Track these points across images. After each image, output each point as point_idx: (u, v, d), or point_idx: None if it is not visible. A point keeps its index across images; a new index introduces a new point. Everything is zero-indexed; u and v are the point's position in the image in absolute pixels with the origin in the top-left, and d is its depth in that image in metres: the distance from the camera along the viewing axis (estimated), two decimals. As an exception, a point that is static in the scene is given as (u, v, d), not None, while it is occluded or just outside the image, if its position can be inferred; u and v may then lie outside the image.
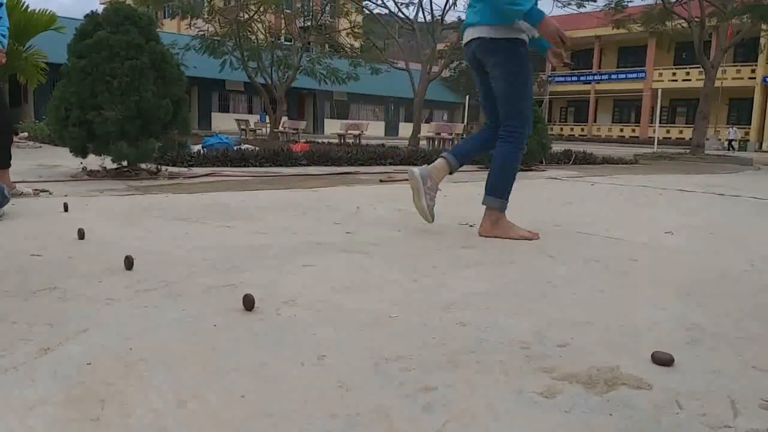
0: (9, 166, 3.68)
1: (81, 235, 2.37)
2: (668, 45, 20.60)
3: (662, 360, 1.29)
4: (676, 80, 37.05)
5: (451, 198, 4.39)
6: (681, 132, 36.45)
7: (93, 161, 4.99)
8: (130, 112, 4.53)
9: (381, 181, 5.50)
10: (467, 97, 22.92)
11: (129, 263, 1.93)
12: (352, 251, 2.36)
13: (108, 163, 4.92)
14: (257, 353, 1.29)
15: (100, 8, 5.08)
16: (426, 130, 17.29)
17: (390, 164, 7.73)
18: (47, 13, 11.03)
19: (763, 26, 18.29)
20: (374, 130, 31.51)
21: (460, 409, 1.07)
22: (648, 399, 1.13)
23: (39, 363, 1.20)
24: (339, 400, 1.09)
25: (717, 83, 19.90)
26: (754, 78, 34.38)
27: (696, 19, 15.32)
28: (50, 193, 3.76)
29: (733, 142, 31.58)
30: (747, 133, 34.66)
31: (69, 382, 1.12)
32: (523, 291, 1.87)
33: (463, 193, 4.81)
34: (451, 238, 2.71)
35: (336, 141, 15.80)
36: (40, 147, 9.59)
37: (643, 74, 38.55)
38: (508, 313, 1.63)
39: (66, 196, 3.63)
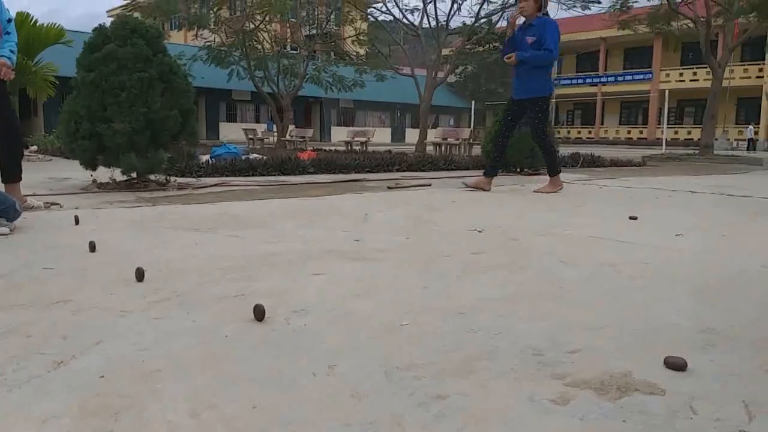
0: (20, 179, 3.71)
1: (92, 247, 2.39)
2: (674, 45, 20.51)
3: (675, 364, 1.28)
4: (683, 80, 36.89)
5: (459, 204, 4.38)
6: (689, 133, 36.25)
7: (103, 173, 5.03)
8: (138, 124, 4.57)
9: (389, 187, 5.50)
10: (473, 102, 22.92)
11: (140, 275, 1.94)
12: (362, 258, 2.36)
13: (117, 175, 4.96)
14: (269, 363, 1.29)
15: (108, 21, 5.13)
16: (432, 135, 17.30)
17: (397, 171, 7.73)
18: (55, 27, 11.14)
19: (770, 25, 18.19)
20: (381, 137, 31.55)
21: (473, 416, 1.07)
22: (662, 404, 1.12)
23: (53, 375, 1.21)
24: (352, 408, 1.09)
25: (725, 83, 19.78)
26: (762, 77, 34.18)
27: (702, 19, 15.26)
28: (61, 206, 3.79)
29: (751, 141, 31.06)
30: (756, 133, 34.43)
31: (83, 394, 1.13)
32: (534, 296, 1.86)
33: (471, 198, 4.80)
34: (461, 244, 2.71)
35: (343, 148, 15.84)
36: (51, 160, 9.68)
37: (650, 75, 38.41)
38: (520, 318, 1.63)
39: (77, 208, 3.66)
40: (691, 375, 1.26)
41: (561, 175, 5.48)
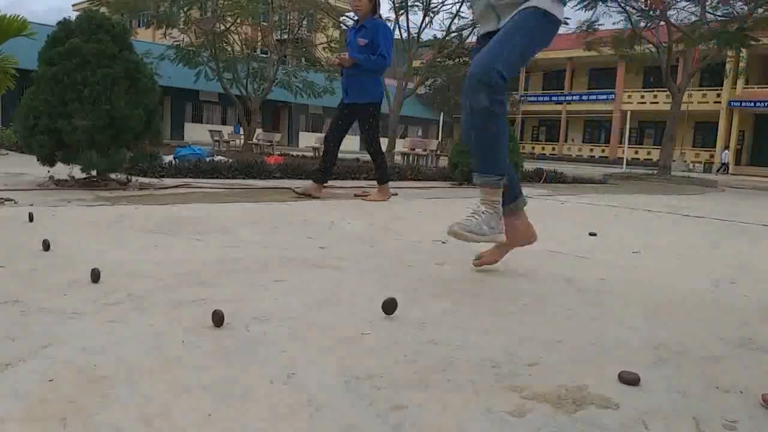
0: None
1: (46, 246, 2.32)
2: (637, 69, 21.16)
3: (629, 380, 1.31)
4: (644, 103, 38.00)
5: (425, 214, 4.41)
6: (649, 153, 37.34)
7: (61, 170, 4.89)
8: (101, 121, 4.46)
9: (356, 195, 5.49)
10: (441, 114, 23.15)
11: (95, 276, 1.89)
12: (325, 266, 2.35)
13: (77, 172, 4.83)
14: (226, 370, 1.27)
15: (73, 15, 5.01)
16: (401, 145, 17.39)
17: (365, 179, 7.73)
18: (18, 19, 10.81)
19: (728, 52, 18.94)
20: (349, 144, 31.53)
21: (430, 428, 1.07)
22: (615, 418, 1.14)
23: (-2, 379, 1.16)
24: (308, 419, 1.07)
25: (683, 107, 20.49)
26: (720, 102, 35.45)
27: (664, 44, 15.77)
28: (15, 202, 3.67)
29: (725, 165, 32.29)
30: (712, 156, 35.68)
31: (30, 399, 1.08)
32: (494, 309, 1.88)
33: (437, 209, 4.84)
34: (425, 255, 2.72)
35: (310, 154, 15.77)
36: (7, 154, 9.37)
37: (613, 96, 39.46)
38: (479, 331, 1.64)
39: (31, 205, 3.54)
40: (644, 390, 1.29)
41: (524, 189, 5.51)
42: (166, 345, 1.40)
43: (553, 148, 42.78)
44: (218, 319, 1.53)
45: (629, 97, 38.50)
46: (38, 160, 4.74)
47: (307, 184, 5.22)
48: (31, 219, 2.98)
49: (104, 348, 1.35)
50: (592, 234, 3.67)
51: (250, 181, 6.40)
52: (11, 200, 3.73)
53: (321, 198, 5.05)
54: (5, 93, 11.99)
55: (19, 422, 1.00)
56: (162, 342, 1.41)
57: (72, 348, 1.34)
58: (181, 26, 17.48)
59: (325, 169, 5.21)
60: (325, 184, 5.29)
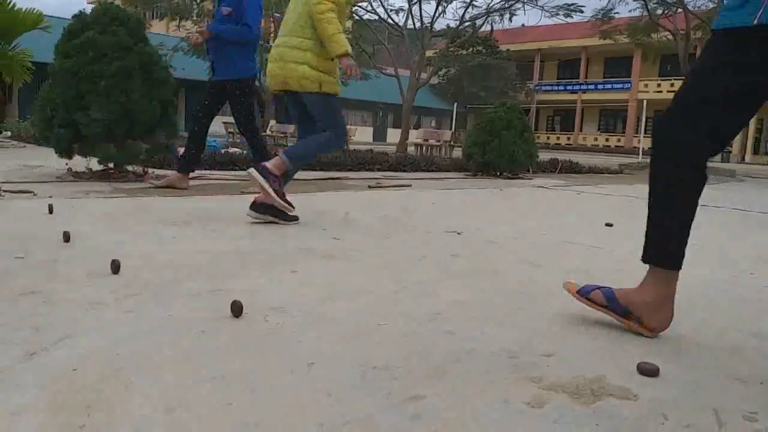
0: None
1: (66, 237, 2.35)
2: (653, 57, 20.86)
3: (648, 371, 1.30)
4: (661, 91, 37.47)
5: (438, 205, 4.40)
6: (665, 143, 36.81)
7: (78, 162, 4.94)
8: (116, 114, 4.49)
9: (370, 187, 5.50)
10: (455, 104, 23.04)
11: (115, 267, 1.91)
12: (340, 258, 2.36)
13: (94, 164, 4.88)
14: (245, 360, 1.28)
15: (88, 8, 5.03)
16: (414, 136, 17.35)
17: (378, 170, 7.73)
18: (34, 12, 10.90)
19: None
20: (362, 136, 31.50)
21: (447, 419, 1.07)
22: (633, 410, 1.14)
23: (24, 368, 1.18)
24: (327, 409, 1.08)
25: (701, 95, 20.14)
26: (737, 91, 34.84)
27: (681, 32, 15.55)
28: (34, 194, 3.72)
29: None
30: (729, 145, 35.20)
31: (54, 387, 1.10)
32: (509, 300, 1.88)
33: (451, 200, 4.83)
34: (439, 246, 2.72)
35: (324, 145, 15.77)
36: (24, 147, 9.48)
37: (629, 85, 38.97)
38: (494, 322, 1.64)
39: (51, 197, 3.59)
40: (663, 381, 1.28)
41: (539, 180, 5.47)
42: (187, 335, 1.41)
43: (568, 138, 42.38)
44: (237, 309, 1.54)
45: (645, 85, 37.99)
46: (56, 152, 4.79)
47: (171, 176, 4.55)
48: (50, 211, 3.02)
49: (125, 338, 1.37)
50: (608, 224, 3.64)
51: (265, 173, 6.40)
52: (30, 192, 3.78)
53: (186, 188, 4.48)
54: (21, 86, 12.12)
55: (43, 411, 1.02)
56: (182, 332, 1.43)
57: (93, 338, 1.36)
58: (195, 18, 17.52)
59: (189, 157, 4.50)
60: (190, 175, 4.61)
